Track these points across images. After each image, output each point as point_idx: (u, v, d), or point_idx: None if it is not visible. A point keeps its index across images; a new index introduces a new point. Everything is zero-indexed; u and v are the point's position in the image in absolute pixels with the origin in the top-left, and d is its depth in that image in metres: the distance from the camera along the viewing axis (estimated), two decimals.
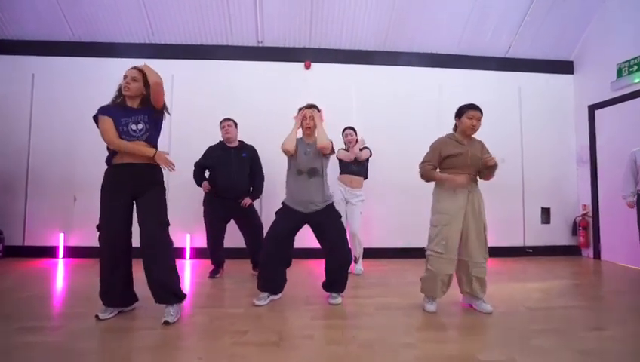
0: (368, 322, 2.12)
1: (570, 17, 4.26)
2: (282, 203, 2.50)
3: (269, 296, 2.42)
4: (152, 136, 2.12)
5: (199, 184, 3.20)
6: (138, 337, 1.86)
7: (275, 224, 2.42)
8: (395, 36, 4.30)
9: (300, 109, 2.53)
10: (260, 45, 4.30)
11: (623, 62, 3.89)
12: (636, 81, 3.72)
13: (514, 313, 2.31)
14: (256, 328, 2.00)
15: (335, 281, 2.45)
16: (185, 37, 4.21)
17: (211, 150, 3.23)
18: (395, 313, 2.28)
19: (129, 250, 2.11)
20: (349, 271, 3.26)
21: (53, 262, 3.76)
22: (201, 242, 3.96)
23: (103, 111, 2.09)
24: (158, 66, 4.16)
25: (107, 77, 4.08)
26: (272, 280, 2.42)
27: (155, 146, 2.15)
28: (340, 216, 2.56)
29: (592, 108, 4.29)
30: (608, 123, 4.11)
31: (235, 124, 3.26)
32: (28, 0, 3.85)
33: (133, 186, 2.02)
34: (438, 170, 2.38)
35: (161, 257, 2.01)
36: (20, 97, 4.05)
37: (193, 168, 3.24)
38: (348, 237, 3.29)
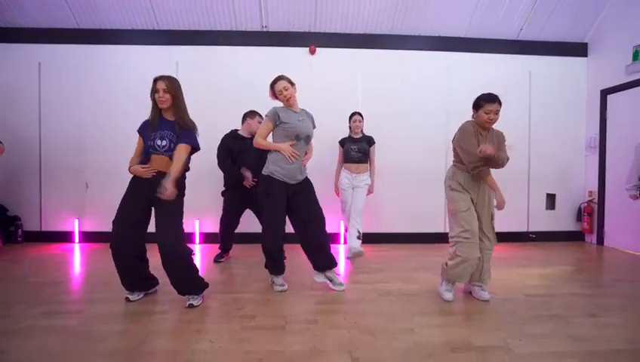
0: (370, 308, 2.21)
1: None
2: (268, 176, 2.42)
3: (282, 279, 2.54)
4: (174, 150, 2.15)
5: (232, 171, 3.12)
6: (153, 321, 1.98)
7: (272, 207, 2.41)
8: (402, 19, 4.21)
9: (272, 83, 2.49)
10: (265, 30, 4.25)
11: (638, 45, 3.77)
12: None
13: (512, 299, 2.38)
14: (264, 313, 2.10)
15: (321, 255, 2.49)
16: (189, 23, 4.18)
17: (230, 138, 3.24)
18: (396, 299, 2.37)
19: (141, 246, 2.22)
20: (352, 256, 3.40)
21: (69, 247, 3.93)
22: (210, 227, 4.10)
23: (140, 129, 2.23)
24: (163, 53, 4.23)
25: (112, 64, 4.17)
26: (282, 263, 2.54)
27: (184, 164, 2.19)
28: (313, 189, 2.57)
29: (605, 93, 4.20)
30: (621, 108, 4.03)
31: (258, 117, 3.25)
32: None
33: (150, 193, 2.09)
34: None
35: (177, 264, 2.12)
36: (28, 86, 4.11)
37: (218, 155, 3.22)
38: (348, 213, 3.38)
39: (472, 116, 2.39)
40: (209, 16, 4.13)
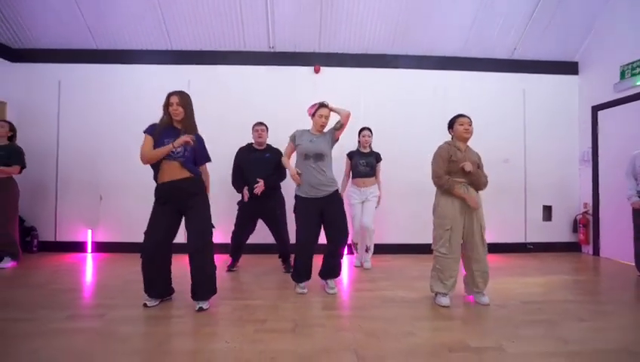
0: (374, 313, 2.35)
1: (575, 18, 4.34)
2: (296, 196, 2.76)
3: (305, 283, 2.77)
4: (188, 160, 2.34)
5: (239, 190, 3.39)
6: (172, 324, 2.13)
7: (301, 225, 2.71)
8: (401, 40, 4.45)
9: (318, 105, 2.80)
10: (272, 50, 4.49)
11: (626, 65, 3.98)
12: (638, 83, 3.82)
13: (509, 305, 2.51)
14: (274, 317, 2.25)
15: (330, 266, 2.78)
16: (200, 43, 4.43)
17: (240, 152, 3.49)
18: (399, 305, 2.51)
19: (168, 254, 2.38)
20: (361, 265, 3.59)
21: (82, 256, 4.08)
22: (219, 238, 4.23)
23: (149, 130, 2.37)
24: (175, 72, 4.46)
25: (128, 82, 4.41)
26: (307, 272, 2.76)
27: (195, 168, 2.39)
28: (342, 204, 2.83)
29: (596, 109, 4.40)
30: (611, 124, 4.22)
31: (267, 129, 3.50)
32: (54, 11, 4.10)
33: (176, 202, 2.27)
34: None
35: (203, 257, 2.31)
36: (48, 103, 4.34)
37: (232, 174, 3.48)
38: (357, 228, 3.56)
39: (452, 137, 2.61)
40: (219, 37, 4.39)
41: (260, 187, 3.23)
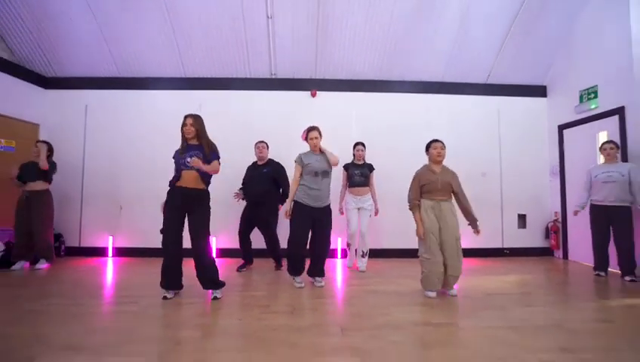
0: (359, 301, 2.84)
1: (541, 46, 4.91)
2: (294, 201, 3.22)
3: (300, 278, 3.25)
4: (205, 173, 2.83)
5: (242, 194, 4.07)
6: (192, 308, 2.61)
7: (295, 225, 3.17)
8: (388, 67, 5.04)
9: (307, 130, 3.33)
10: (273, 77, 5.08)
11: (584, 90, 4.55)
12: (592, 107, 4.37)
13: (474, 297, 2.99)
14: (275, 303, 2.73)
15: (317, 267, 3.28)
16: (210, 71, 5.02)
17: (248, 170, 4.12)
18: (381, 296, 2.99)
19: (180, 249, 2.84)
20: (351, 266, 4.07)
21: (104, 260, 4.57)
22: (224, 243, 4.74)
23: (174, 156, 2.90)
24: (188, 96, 5.03)
25: (147, 106, 4.99)
26: (300, 266, 3.24)
27: (208, 180, 2.88)
28: (331, 216, 3.32)
29: (561, 128, 4.95)
30: (574, 141, 4.76)
31: (267, 146, 4.08)
32: (82, 44, 4.70)
33: (184, 205, 2.77)
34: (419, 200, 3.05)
35: (205, 260, 2.77)
36: (76, 125, 4.91)
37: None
38: (351, 231, 4.04)
39: (428, 159, 3.12)
40: (227, 66, 4.98)
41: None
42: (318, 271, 3.31)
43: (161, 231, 2.80)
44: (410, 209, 3.08)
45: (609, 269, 3.82)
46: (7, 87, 4.41)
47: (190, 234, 2.78)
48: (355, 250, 4.20)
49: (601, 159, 3.90)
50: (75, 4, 4.33)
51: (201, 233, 2.77)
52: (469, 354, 1.91)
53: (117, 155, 4.88)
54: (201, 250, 2.74)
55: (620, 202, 3.56)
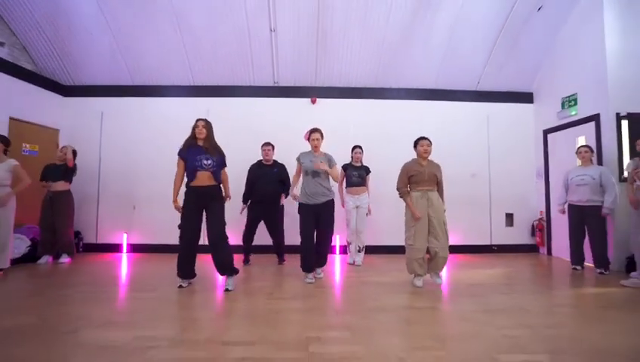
0: (353, 290, 3.19)
1: (526, 56, 5.24)
2: (299, 203, 3.55)
3: (312, 275, 3.51)
4: (217, 172, 3.17)
5: (245, 201, 4.32)
6: (205, 295, 2.96)
7: (302, 225, 3.47)
8: (383, 75, 5.38)
9: (310, 131, 3.63)
10: (276, 85, 5.43)
11: (565, 97, 4.88)
12: (572, 113, 4.70)
13: (457, 286, 3.33)
14: (279, 291, 3.08)
15: (318, 259, 3.54)
16: (217, 79, 5.37)
17: (252, 168, 4.38)
18: (372, 285, 3.33)
19: (197, 242, 3.19)
20: (353, 262, 4.38)
21: (119, 256, 4.92)
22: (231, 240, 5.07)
23: (180, 153, 3.20)
24: (196, 103, 5.39)
25: (158, 112, 5.36)
26: (310, 264, 3.48)
27: (219, 177, 3.22)
28: (332, 212, 3.58)
29: (546, 132, 5.28)
30: (557, 144, 5.09)
31: (273, 148, 4.40)
32: (99, 54, 5.06)
33: (201, 201, 3.11)
34: (408, 187, 3.40)
35: (223, 247, 3.11)
36: (92, 130, 5.27)
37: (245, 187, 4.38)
38: (352, 230, 4.35)
39: (416, 154, 3.46)
40: (233, 74, 5.33)
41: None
42: (319, 261, 3.58)
43: (179, 227, 3.13)
44: (400, 196, 3.41)
45: (586, 264, 4.15)
46: (30, 96, 4.78)
47: (207, 225, 3.11)
48: (365, 247, 4.55)
49: (578, 162, 4.22)
50: (94, 19, 4.70)
51: (218, 223, 3.10)
52: (442, 331, 2.25)
53: (130, 158, 5.25)
54: (218, 238, 3.07)
55: (592, 202, 3.89)
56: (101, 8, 4.62)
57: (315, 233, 3.54)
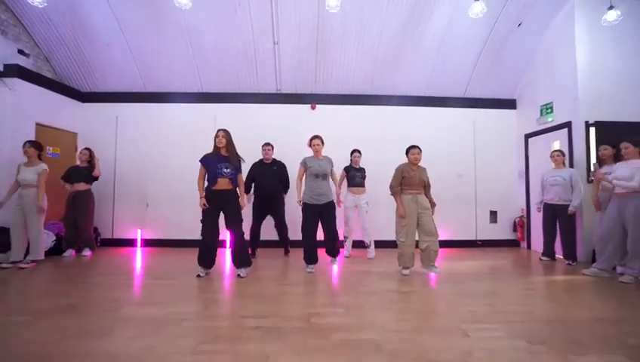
0: (350, 278, 3.63)
1: (510, 65, 5.69)
2: (303, 202, 3.96)
3: (312, 266, 3.96)
4: (234, 179, 3.60)
5: (247, 192, 4.74)
6: (221, 283, 3.41)
7: (304, 222, 3.90)
8: (378, 83, 5.82)
9: (311, 138, 4.07)
10: (279, 92, 5.86)
11: (543, 105, 5.33)
12: (549, 120, 5.16)
13: (444, 274, 3.78)
14: (284, 279, 3.54)
15: (331, 249, 4.07)
16: (224, 86, 5.80)
17: (253, 166, 4.79)
18: (366, 274, 3.79)
19: (217, 237, 3.61)
20: (349, 255, 4.83)
21: (134, 250, 5.36)
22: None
23: (202, 160, 3.62)
24: (205, 109, 5.83)
25: (169, 117, 5.78)
26: (313, 256, 3.92)
27: (236, 181, 3.64)
28: (335, 211, 4.03)
29: (527, 137, 5.74)
30: (537, 148, 5.55)
31: (272, 148, 4.83)
32: (114, 63, 5.48)
33: (219, 203, 3.54)
34: (400, 187, 3.84)
35: (240, 242, 3.57)
36: (108, 134, 5.69)
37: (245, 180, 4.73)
38: (350, 226, 4.80)
39: (408, 160, 3.90)
40: (239, 82, 5.76)
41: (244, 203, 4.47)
42: (332, 251, 4.11)
43: (202, 221, 3.56)
44: (392, 195, 3.86)
45: (558, 256, 4.62)
46: (51, 102, 5.19)
47: (226, 223, 3.56)
48: (352, 241, 4.98)
49: (553, 164, 4.68)
50: (111, 32, 5.11)
51: (235, 222, 3.55)
52: (421, 308, 2.71)
53: (143, 160, 5.67)
54: (235, 235, 3.54)
55: (563, 201, 4.36)
56: (118, 22, 5.03)
57: (323, 230, 3.98)
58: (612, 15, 4.20)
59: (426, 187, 3.89)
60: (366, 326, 2.31)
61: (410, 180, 3.79)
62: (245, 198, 4.66)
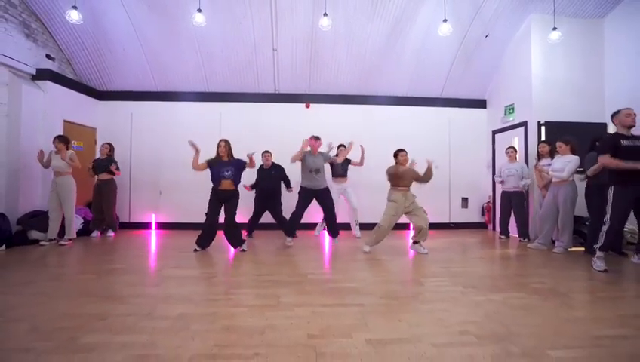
0: (334, 250, 4.45)
1: (480, 70, 6.48)
2: (301, 186, 4.75)
3: (291, 239, 4.77)
4: (236, 178, 4.33)
5: (253, 189, 5.51)
6: (228, 255, 4.19)
7: (298, 202, 4.68)
8: (365, 84, 6.56)
9: (311, 137, 4.80)
10: (277, 92, 6.57)
11: (506, 105, 6.16)
12: (511, 118, 6.00)
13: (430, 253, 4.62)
14: (282, 251, 4.33)
15: (332, 230, 4.85)
16: (229, 87, 6.47)
17: (258, 171, 5.51)
18: (348, 248, 4.61)
19: (217, 222, 4.35)
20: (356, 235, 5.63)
21: (149, 232, 6.09)
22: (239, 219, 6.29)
23: (208, 160, 4.35)
24: (211, 107, 6.52)
25: (179, 114, 6.46)
26: (294, 230, 4.73)
27: (238, 181, 4.38)
28: (330, 193, 4.85)
29: (494, 133, 6.57)
30: (501, 143, 6.39)
31: (271, 154, 5.54)
32: (129, 64, 6.10)
33: (222, 199, 4.28)
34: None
35: (234, 228, 4.32)
36: (124, 129, 6.35)
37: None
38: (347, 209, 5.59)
39: (396, 162, 4.66)
40: (241, 82, 6.44)
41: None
42: (334, 232, 4.91)
43: (206, 214, 4.31)
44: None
45: (513, 235, 5.52)
46: (75, 101, 5.82)
47: (225, 213, 4.32)
48: (339, 224, 5.76)
49: (507, 158, 5.51)
50: (128, 36, 5.72)
51: (232, 213, 4.32)
52: (393, 268, 3.55)
53: (156, 152, 6.35)
54: (231, 221, 4.31)
55: (515, 188, 5.23)
56: (134, 28, 5.65)
57: (324, 211, 4.78)
58: (555, 35, 5.00)
59: (419, 178, 4.58)
60: (349, 279, 3.13)
61: (401, 178, 4.51)
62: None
